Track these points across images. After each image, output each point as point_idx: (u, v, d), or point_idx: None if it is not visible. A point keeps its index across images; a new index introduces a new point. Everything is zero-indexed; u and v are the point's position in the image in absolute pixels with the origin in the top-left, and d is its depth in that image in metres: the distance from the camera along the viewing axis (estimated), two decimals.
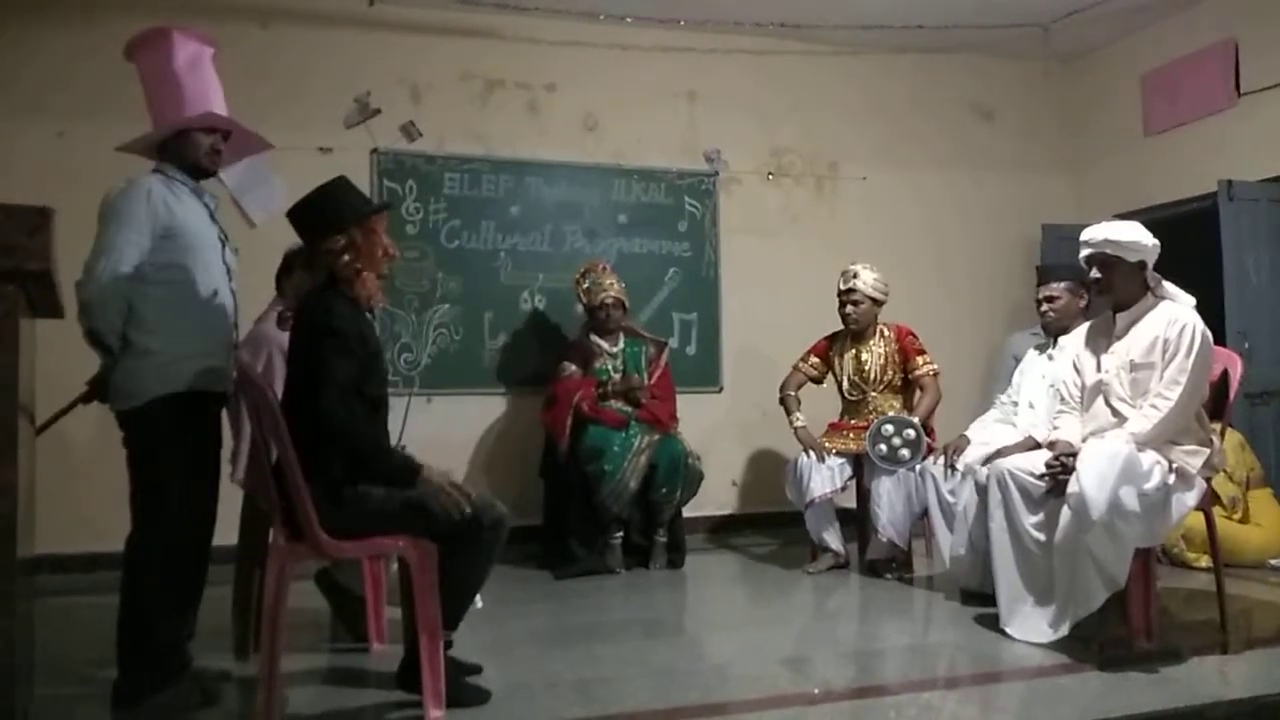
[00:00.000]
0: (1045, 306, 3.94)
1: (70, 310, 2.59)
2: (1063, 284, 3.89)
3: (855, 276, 4.47)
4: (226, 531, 3.03)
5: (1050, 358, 3.89)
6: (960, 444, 3.95)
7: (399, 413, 2.88)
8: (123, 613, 2.63)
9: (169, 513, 2.63)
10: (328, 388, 2.48)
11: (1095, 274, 3.22)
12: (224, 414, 2.92)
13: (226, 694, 2.74)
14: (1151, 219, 5.32)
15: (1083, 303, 3.90)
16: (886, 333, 4.54)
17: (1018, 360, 4.30)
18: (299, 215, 2.67)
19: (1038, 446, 3.45)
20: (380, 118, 5.16)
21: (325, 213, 2.63)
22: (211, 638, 3.00)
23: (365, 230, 2.64)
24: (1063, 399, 3.40)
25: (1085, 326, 3.47)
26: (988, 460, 3.54)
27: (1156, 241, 3.17)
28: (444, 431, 4.96)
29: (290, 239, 3.32)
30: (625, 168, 5.57)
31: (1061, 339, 3.86)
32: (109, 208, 2.60)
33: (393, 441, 2.79)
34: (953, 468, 3.91)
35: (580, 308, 4.91)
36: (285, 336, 3.09)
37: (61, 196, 2.37)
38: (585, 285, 4.80)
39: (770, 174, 5.85)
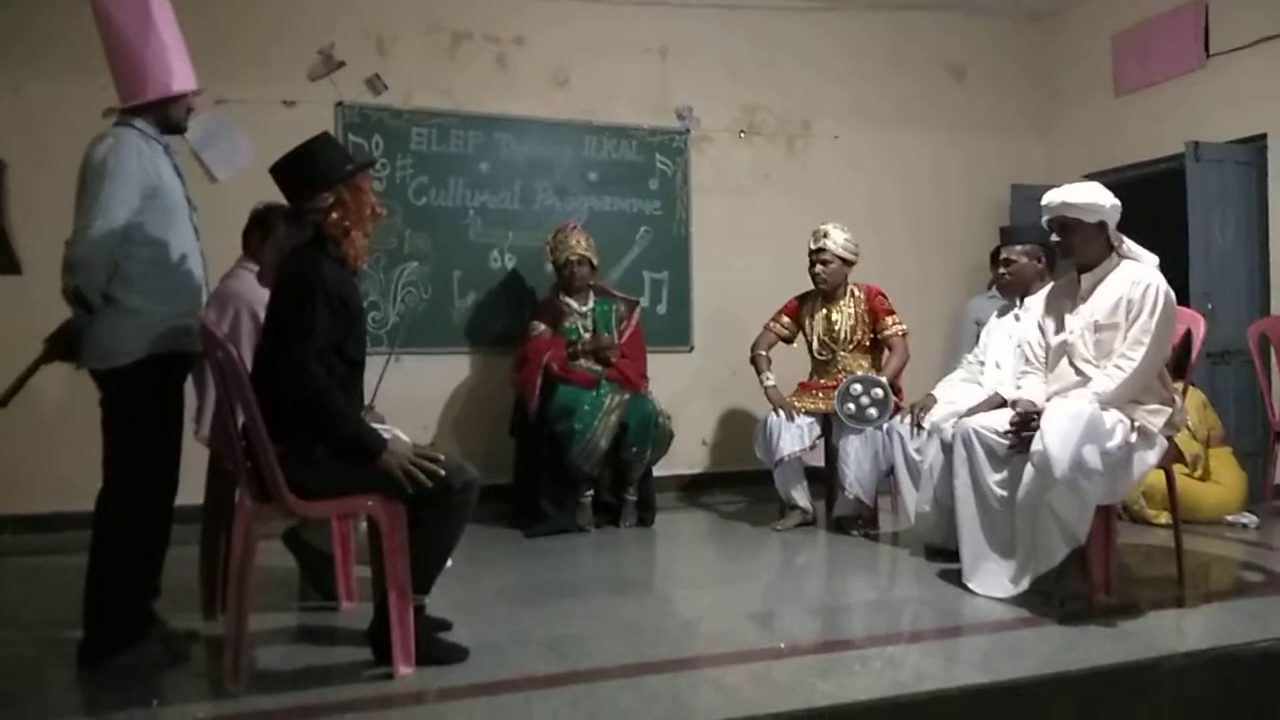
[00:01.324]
0: (1003, 269, 3.98)
1: (31, 266, 2.55)
2: (1022, 247, 3.92)
3: (825, 236, 4.47)
4: (192, 490, 3.01)
5: (1017, 318, 3.92)
6: (927, 403, 4.00)
7: (374, 372, 2.86)
8: (91, 572, 2.61)
9: (142, 473, 2.62)
10: (306, 346, 2.46)
11: (1055, 237, 3.25)
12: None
13: (194, 653, 2.73)
14: (1120, 180, 5.39)
15: (1040, 266, 3.93)
16: (857, 293, 4.56)
17: (980, 324, 4.33)
18: (285, 172, 2.62)
19: (1004, 404, 3.49)
20: (345, 70, 5.05)
21: (312, 170, 2.59)
22: (178, 597, 2.99)
23: (353, 188, 2.61)
24: (1027, 359, 3.43)
25: (1050, 287, 3.50)
26: (953, 419, 3.57)
27: (1116, 202, 3.19)
28: (413, 391, 4.94)
29: (251, 196, 3.27)
30: (596, 124, 5.51)
31: (1027, 300, 3.89)
32: (100, 165, 2.54)
33: (366, 400, 2.78)
34: (919, 426, 3.95)
35: (550, 266, 4.87)
36: (255, 295, 3.05)
37: (18, 152, 2.31)
38: (552, 244, 4.76)
39: (742, 132, 5.81)
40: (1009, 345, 3.88)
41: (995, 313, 4.15)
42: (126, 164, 2.55)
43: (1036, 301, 3.76)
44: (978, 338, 4.32)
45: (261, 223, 3.29)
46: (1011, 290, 3.98)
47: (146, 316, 2.60)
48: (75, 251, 2.51)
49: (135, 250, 2.58)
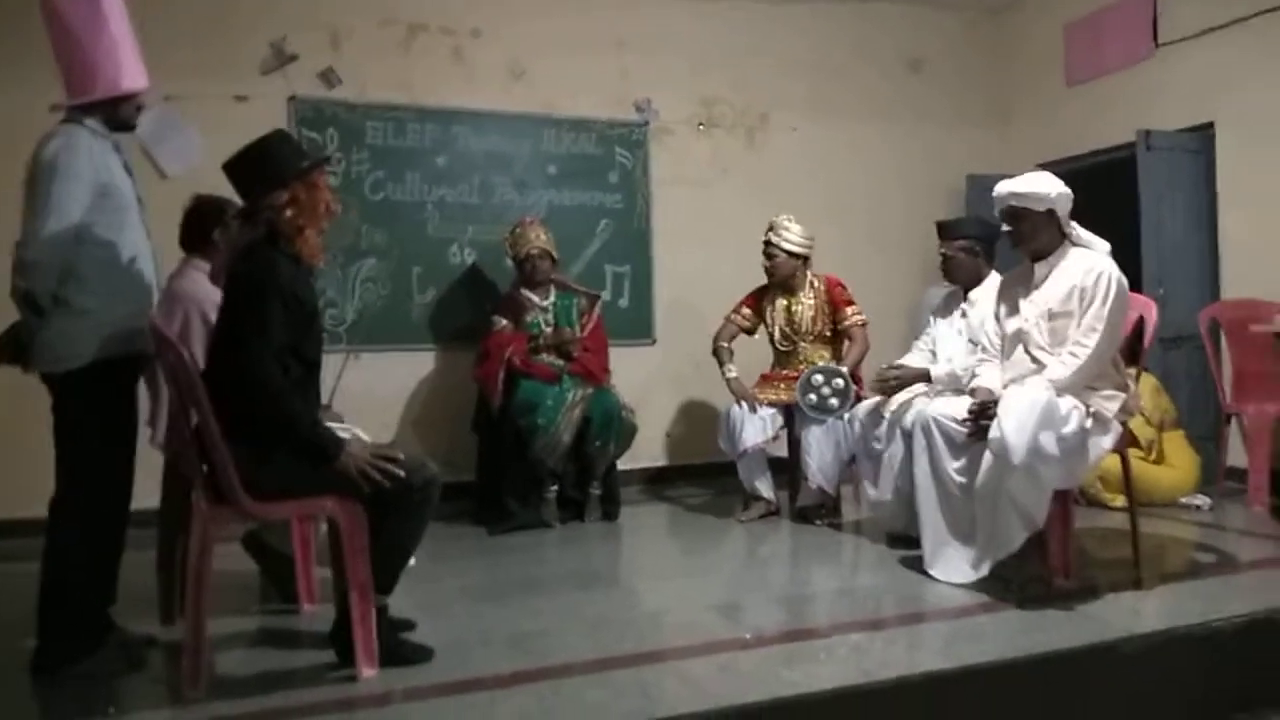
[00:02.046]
0: (944, 264, 4.04)
1: None
2: (957, 242, 3.97)
3: (772, 229, 4.51)
4: (149, 493, 2.96)
5: (964, 314, 3.96)
6: (887, 373, 3.91)
7: (331, 371, 2.83)
8: (44, 579, 2.56)
9: (95, 478, 2.58)
10: (260, 346, 2.42)
11: (1006, 227, 3.29)
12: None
13: (152, 659, 2.69)
14: (1073, 168, 5.47)
15: (978, 259, 3.98)
16: (816, 284, 4.58)
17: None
18: (238, 169, 2.57)
19: (928, 377, 3.61)
20: (298, 64, 4.97)
21: (266, 167, 2.54)
22: (136, 602, 2.93)
23: (308, 185, 2.57)
24: (983, 347, 3.47)
25: (1003, 276, 3.53)
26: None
27: (1065, 190, 3.24)
28: (373, 388, 4.89)
29: (202, 192, 3.21)
30: (554, 117, 5.48)
31: (972, 293, 3.94)
32: (50, 164, 2.49)
33: (324, 400, 2.75)
34: (888, 393, 3.86)
35: (510, 261, 4.84)
36: (204, 294, 2.99)
37: None
38: (511, 238, 4.73)
39: (701, 124, 5.81)
40: (960, 341, 3.93)
41: (941, 301, 4.18)
42: (77, 163, 2.50)
43: (983, 294, 3.82)
44: None
45: (215, 216, 3.19)
46: (957, 281, 4.02)
47: (98, 318, 2.55)
48: (26, 253, 2.46)
49: (87, 251, 2.53)
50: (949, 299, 4.13)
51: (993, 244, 4.02)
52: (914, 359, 4.03)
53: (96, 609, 2.65)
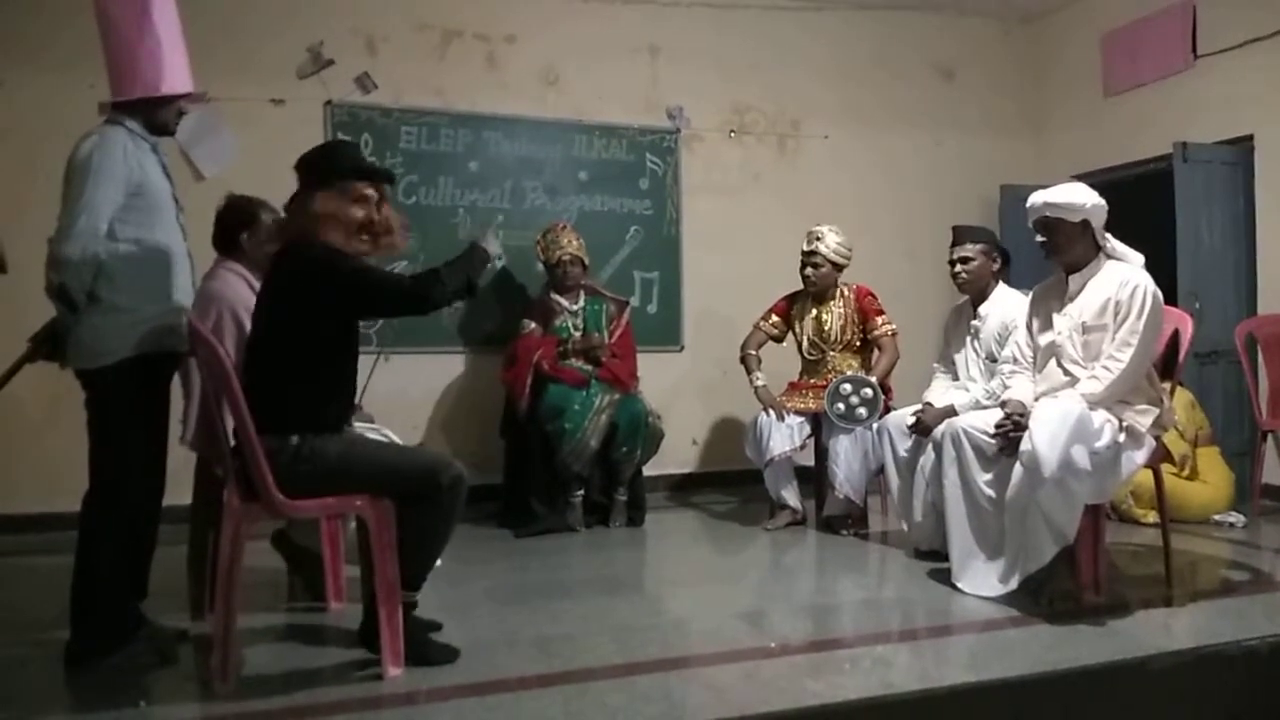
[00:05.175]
0: (959, 268, 3.94)
1: (19, 265, 2.54)
2: (977, 245, 3.93)
3: (818, 239, 4.48)
4: (181, 490, 2.99)
5: (976, 331, 3.93)
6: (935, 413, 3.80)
7: (363, 371, 2.85)
8: (77, 572, 2.60)
9: (127, 473, 2.61)
10: (381, 281, 2.59)
11: (1040, 238, 3.25)
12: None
13: (183, 654, 2.72)
14: (1108, 180, 5.42)
15: (996, 265, 3.94)
16: (846, 293, 4.57)
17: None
18: (299, 166, 2.65)
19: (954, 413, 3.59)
20: (334, 69, 5.03)
21: (311, 169, 2.61)
22: (167, 597, 2.98)
23: (340, 194, 2.59)
24: (1014, 359, 3.44)
25: (1036, 288, 3.50)
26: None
27: (1100, 201, 3.20)
28: (404, 390, 4.93)
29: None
30: (586, 123, 5.50)
31: (981, 308, 3.91)
32: (86, 163, 2.53)
33: (355, 399, 2.78)
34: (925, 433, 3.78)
35: (541, 266, 4.87)
36: (236, 295, 3.03)
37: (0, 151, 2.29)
38: (543, 243, 4.76)
39: (732, 131, 5.81)
40: (977, 360, 3.90)
41: (951, 318, 4.15)
42: (111, 162, 2.54)
43: (993, 308, 3.83)
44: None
45: (245, 217, 3.22)
46: (968, 289, 3.98)
47: (131, 315, 2.59)
48: (59, 249, 2.50)
49: (120, 249, 2.57)
50: (959, 314, 4.10)
51: (1007, 257, 3.99)
52: (938, 388, 3.99)
53: (128, 602, 2.67)
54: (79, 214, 2.50)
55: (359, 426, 2.98)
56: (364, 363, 2.79)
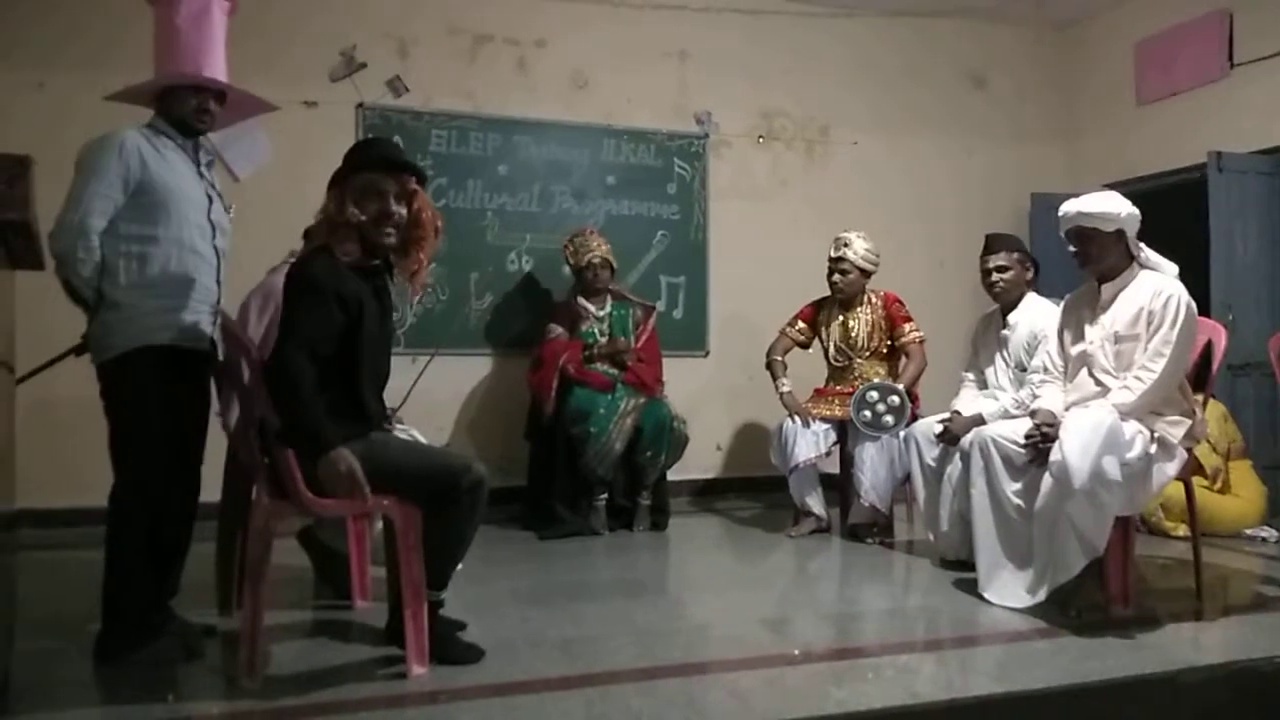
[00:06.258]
0: (995, 276, 3.92)
1: (51, 262, 2.58)
2: (1014, 254, 3.90)
3: (847, 245, 4.46)
4: (210, 487, 3.02)
5: (1005, 339, 3.90)
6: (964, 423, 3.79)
7: (411, 373, 2.83)
8: (107, 567, 2.62)
9: (143, 466, 2.61)
10: (288, 335, 2.46)
11: (1073, 247, 3.22)
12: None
13: (210, 649, 2.74)
14: (1141, 189, 5.37)
15: (1029, 274, 3.91)
16: (873, 299, 4.55)
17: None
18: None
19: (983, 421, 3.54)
20: (366, 72, 5.08)
21: (343, 165, 2.62)
22: (196, 593, 3.00)
23: (351, 188, 2.58)
24: (1044, 368, 3.41)
25: (1068, 297, 3.47)
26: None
27: (1134, 210, 3.16)
28: (430, 392, 4.92)
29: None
30: (615, 128, 5.52)
31: (1010, 316, 3.88)
32: (79, 161, 2.59)
33: (396, 403, 2.75)
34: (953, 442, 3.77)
35: (568, 269, 4.88)
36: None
37: (41, 148, 2.33)
38: (572, 247, 4.77)
39: (761, 137, 5.81)
40: (1006, 369, 3.87)
41: (979, 326, 4.12)
42: (102, 160, 2.56)
43: (1022, 316, 3.81)
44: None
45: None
46: (1003, 299, 3.94)
47: (132, 310, 2.59)
48: (53, 245, 2.54)
49: (120, 245, 2.59)
50: (988, 323, 4.07)
51: (1037, 267, 3.96)
52: (966, 396, 3.96)
53: (155, 598, 2.69)
54: (68, 211, 2.54)
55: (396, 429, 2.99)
56: (400, 364, 2.77)
